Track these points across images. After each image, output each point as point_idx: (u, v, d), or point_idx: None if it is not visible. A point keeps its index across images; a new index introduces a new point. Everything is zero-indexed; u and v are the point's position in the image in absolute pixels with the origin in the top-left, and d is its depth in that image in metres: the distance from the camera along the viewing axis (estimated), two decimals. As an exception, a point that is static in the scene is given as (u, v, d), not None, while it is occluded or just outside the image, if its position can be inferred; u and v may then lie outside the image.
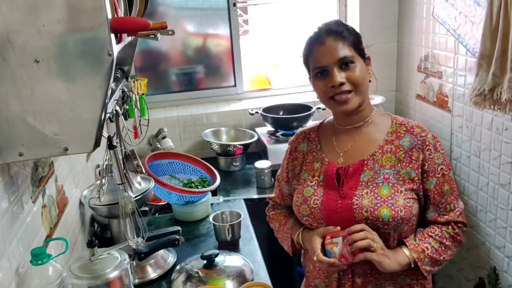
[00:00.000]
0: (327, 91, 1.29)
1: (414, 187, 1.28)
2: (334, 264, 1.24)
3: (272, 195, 1.58)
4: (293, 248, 1.46)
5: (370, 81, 1.33)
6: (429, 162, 1.29)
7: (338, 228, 1.27)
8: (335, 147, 1.37)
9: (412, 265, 1.28)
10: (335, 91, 1.27)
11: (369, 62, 1.34)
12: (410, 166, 1.29)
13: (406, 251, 1.28)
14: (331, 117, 1.44)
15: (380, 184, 1.28)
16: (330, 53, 1.26)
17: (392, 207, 1.24)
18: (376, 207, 1.24)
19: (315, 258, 1.27)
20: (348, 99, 1.27)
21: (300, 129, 1.50)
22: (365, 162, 1.31)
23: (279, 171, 1.53)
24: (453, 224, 1.33)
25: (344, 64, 1.27)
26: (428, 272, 1.30)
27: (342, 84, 1.26)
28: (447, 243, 1.31)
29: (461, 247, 1.37)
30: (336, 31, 1.28)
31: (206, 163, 2.21)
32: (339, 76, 1.25)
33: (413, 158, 1.29)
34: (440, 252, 1.30)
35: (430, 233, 1.31)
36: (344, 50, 1.27)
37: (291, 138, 1.50)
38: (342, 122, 1.38)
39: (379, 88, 2.56)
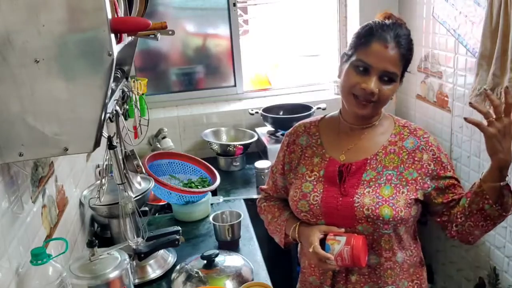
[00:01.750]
0: (355, 88, 1.26)
1: (417, 187, 1.28)
2: (329, 259, 1.22)
3: (265, 186, 1.57)
4: (285, 241, 1.45)
5: (391, 98, 1.32)
6: (434, 162, 1.29)
7: (342, 229, 1.27)
8: (338, 144, 1.36)
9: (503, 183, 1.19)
10: (362, 94, 1.25)
11: (401, 84, 1.32)
12: (413, 167, 1.29)
13: None
14: (335, 112, 1.43)
15: (382, 184, 1.28)
16: (384, 58, 1.23)
17: (393, 207, 1.24)
18: (377, 206, 1.24)
19: (310, 250, 1.25)
20: (366, 105, 1.27)
21: (299, 122, 1.48)
22: (368, 161, 1.31)
23: (273, 162, 1.52)
24: None
25: (385, 77, 1.25)
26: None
27: (373, 93, 1.24)
28: None
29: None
30: (402, 43, 1.25)
31: (206, 163, 2.21)
32: (375, 85, 1.24)
33: (416, 159, 1.29)
34: None
35: None
36: (395, 66, 1.24)
37: (289, 130, 1.48)
38: (349, 120, 1.37)
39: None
